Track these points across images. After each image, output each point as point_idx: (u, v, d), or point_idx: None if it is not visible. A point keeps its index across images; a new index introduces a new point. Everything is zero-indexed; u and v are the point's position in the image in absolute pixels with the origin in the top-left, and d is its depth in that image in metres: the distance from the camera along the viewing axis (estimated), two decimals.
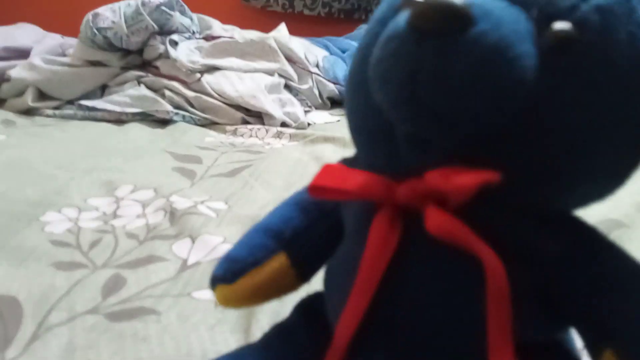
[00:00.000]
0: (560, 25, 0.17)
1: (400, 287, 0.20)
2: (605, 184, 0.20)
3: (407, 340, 0.20)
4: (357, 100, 0.21)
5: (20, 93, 0.94)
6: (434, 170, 0.18)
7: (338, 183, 0.20)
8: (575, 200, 0.20)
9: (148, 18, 0.92)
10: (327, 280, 0.25)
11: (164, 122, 0.90)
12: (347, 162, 0.24)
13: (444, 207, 0.18)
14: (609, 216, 0.49)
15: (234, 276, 0.24)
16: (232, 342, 0.33)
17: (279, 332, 0.26)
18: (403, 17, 0.17)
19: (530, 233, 0.19)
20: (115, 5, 0.93)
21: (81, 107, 0.92)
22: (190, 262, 0.43)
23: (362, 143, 0.22)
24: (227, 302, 0.25)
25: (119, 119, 0.89)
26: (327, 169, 0.21)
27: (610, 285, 0.19)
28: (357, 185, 0.20)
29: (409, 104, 0.17)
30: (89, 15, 0.92)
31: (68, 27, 1.19)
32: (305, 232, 0.24)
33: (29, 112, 0.92)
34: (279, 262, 0.24)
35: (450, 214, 0.18)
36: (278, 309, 0.36)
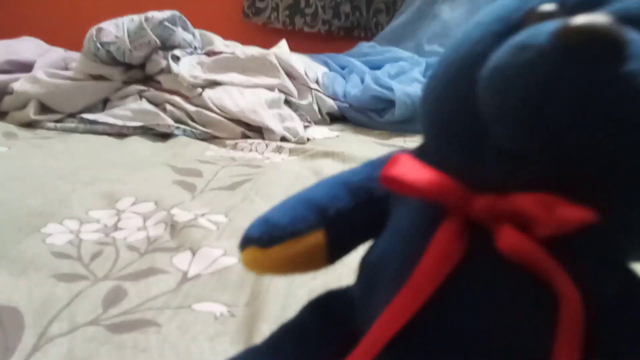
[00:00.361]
0: None
1: (455, 296, 0.19)
2: None
3: (454, 349, 0.19)
4: (447, 96, 0.20)
5: (23, 106, 0.95)
6: (528, 194, 0.17)
7: (412, 177, 0.19)
8: None
9: (151, 33, 0.93)
10: (365, 276, 0.24)
11: (164, 136, 0.90)
12: (419, 148, 0.23)
13: (533, 226, 0.17)
14: None
15: (271, 242, 0.23)
16: (232, 353, 0.33)
17: (288, 333, 0.25)
18: (546, 27, 0.16)
19: (602, 274, 0.18)
20: (119, 20, 0.95)
21: (83, 120, 0.93)
22: (190, 274, 0.43)
23: (440, 141, 0.20)
24: (255, 265, 0.23)
25: (120, 133, 0.90)
26: (399, 159, 0.20)
27: None
28: (433, 184, 0.19)
29: (524, 122, 0.16)
30: (92, 30, 0.93)
31: (71, 41, 1.21)
32: (349, 215, 0.23)
33: (30, 124, 0.93)
34: (316, 238, 0.23)
35: (527, 236, 0.17)
36: (280, 316, 0.36)
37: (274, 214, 0.24)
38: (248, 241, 0.23)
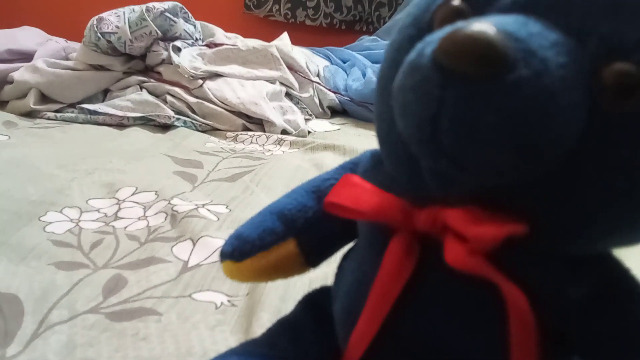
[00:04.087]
0: (620, 66, 0.14)
1: (413, 310, 0.20)
2: None
3: None
4: (382, 113, 0.20)
5: (23, 95, 0.94)
6: (456, 210, 0.17)
7: (354, 203, 0.20)
8: (612, 246, 0.18)
9: (152, 24, 0.93)
10: (338, 284, 0.24)
11: (164, 127, 0.90)
12: (372, 159, 0.23)
13: (466, 241, 0.17)
14: None
15: (242, 256, 0.24)
16: (233, 342, 0.33)
17: (284, 329, 0.25)
18: (430, 44, 0.15)
19: (555, 276, 0.18)
20: (120, 10, 0.94)
21: (83, 110, 0.92)
22: (191, 264, 0.43)
23: (386, 157, 0.21)
24: (233, 277, 0.25)
25: (120, 123, 0.90)
26: (345, 182, 0.21)
27: (630, 339, 0.18)
28: (373, 207, 0.19)
29: (428, 145, 0.16)
30: (93, 20, 0.93)
31: (71, 31, 1.20)
32: (318, 224, 0.24)
33: (30, 114, 0.92)
34: (287, 248, 0.24)
35: (470, 248, 0.17)
36: (280, 306, 0.36)
37: (245, 228, 0.25)
38: (223, 256, 0.25)
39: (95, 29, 0.92)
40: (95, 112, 0.91)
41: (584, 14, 0.15)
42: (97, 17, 0.93)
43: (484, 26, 0.14)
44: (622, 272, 0.19)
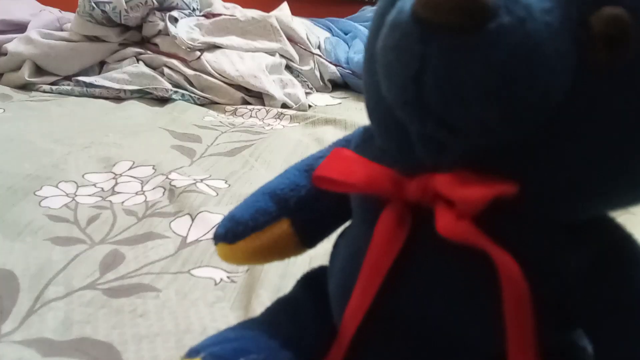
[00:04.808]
0: (609, 10, 0.13)
1: (406, 283, 0.19)
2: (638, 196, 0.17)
3: (411, 336, 0.19)
4: (370, 83, 0.19)
5: (17, 67, 0.92)
6: (445, 175, 0.16)
7: (344, 175, 0.19)
8: (605, 208, 0.18)
9: None
10: (332, 262, 0.24)
11: (162, 101, 0.88)
12: (362, 134, 0.23)
13: (456, 206, 0.16)
14: None
15: (235, 238, 0.24)
16: (232, 319, 0.33)
17: (283, 307, 0.25)
18: (408, 3, 0.14)
19: (550, 244, 0.17)
20: None
21: (79, 83, 0.90)
22: (189, 239, 0.42)
23: (376, 128, 0.20)
24: (227, 259, 0.25)
25: (117, 96, 0.88)
26: (334, 156, 0.20)
27: (629, 306, 0.17)
28: (363, 179, 0.19)
29: (414, 107, 0.15)
30: None
31: (65, 1, 1.17)
32: (312, 203, 0.23)
33: (25, 87, 0.91)
34: (280, 228, 0.24)
35: (462, 216, 0.16)
36: (279, 284, 0.35)
37: (238, 209, 0.24)
38: (216, 238, 0.24)
39: None
40: (91, 85, 0.89)
41: None
42: None
43: None
44: (624, 238, 0.18)
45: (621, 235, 0.18)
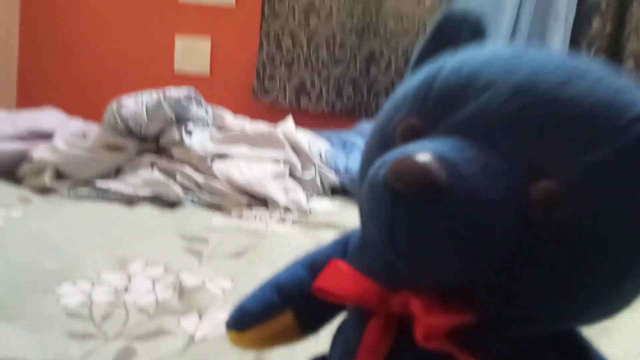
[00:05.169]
0: (545, 184, 0.17)
1: None
2: (592, 319, 0.20)
3: None
4: (361, 211, 0.22)
5: (39, 172, 0.99)
6: (418, 299, 0.20)
7: (337, 288, 0.23)
8: (561, 328, 0.20)
9: (168, 109, 1.00)
10: (331, 355, 0.27)
11: (172, 204, 0.94)
12: (360, 241, 0.26)
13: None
14: None
15: (243, 327, 0.27)
16: None
17: None
18: (384, 166, 0.18)
19: (513, 353, 0.20)
20: (139, 95, 1.02)
21: (95, 187, 0.97)
22: (197, 337, 0.45)
23: (367, 246, 0.24)
24: (237, 344, 0.28)
25: (130, 200, 0.94)
26: (331, 268, 0.24)
27: None
28: (354, 293, 0.22)
29: (389, 248, 0.19)
30: (113, 104, 1.00)
31: (90, 113, 1.28)
32: (313, 296, 0.26)
33: (44, 190, 0.97)
34: (284, 319, 0.27)
35: (437, 329, 0.19)
36: (288, 357, 0.37)
37: (247, 300, 0.28)
38: (228, 326, 0.28)
39: (115, 112, 0.99)
40: (107, 190, 0.95)
41: (512, 140, 0.18)
42: (117, 101, 1.01)
43: (424, 157, 0.17)
44: (581, 344, 0.21)
45: (584, 349, 0.21)
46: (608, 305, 0.20)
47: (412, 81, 0.21)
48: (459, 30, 0.21)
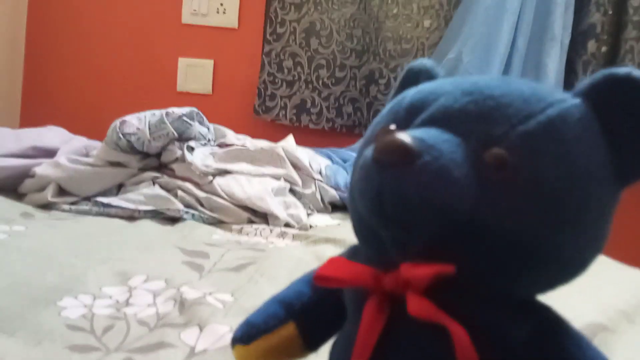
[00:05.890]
0: (494, 150, 0.22)
1: (388, 356, 0.24)
2: (558, 274, 0.24)
3: None
4: (353, 208, 0.27)
5: (42, 188, 1.00)
6: (406, 264, 0.23)
7: (335, 273, 0.25)
8: (535, 288, 0.24)
9: (170, 127, 1.02)
10: (331, 355, 0.28)
11: (173, 220, 0.95)
12: (352, 249, 0.29)
13: (422, 294, 0.23)
14: (595, 320, 0.52)
15: (249, 339, 0.29)
16: None
17: None
18: (370, 151, 0.23)
19: (496, 318, 0.23)
20: (142, 114, 1.04)
21: (97, 203, 0.97)
22: (197, 349, 0.45)
23: (359, 239, 0.28)
24: (243, 359, 0.29)
25: (131, 216, 0.94)
26: (330, 261, 0.26)
27: None
28: (351, 275, 0.25)
29: (379, 215, 0.23)
30: (116, 122, 1.02)
31: (93, 132, 1.30)
32: (313, 307, 0.29)
33: (46, 206, 0.98)
34: (287, 330, 0.29)
35: (426, 299, 0.22)
36: None
37: (253, 315, 0.30)
38: (234, 340, 0.30)
39: (118, 130, 1.00)
40: (108, 205, 0.96)
41: (465, 124, 0.24)
42: (120, 119, 1.02)
43: (401, 134, 0.22)
44: (556, 316, 0.24)
45: (553, 314, 0.24)
46: (568, 256, 0.23)
47: (386, 107, 0.28)
48: (419, 75, 0.29)
